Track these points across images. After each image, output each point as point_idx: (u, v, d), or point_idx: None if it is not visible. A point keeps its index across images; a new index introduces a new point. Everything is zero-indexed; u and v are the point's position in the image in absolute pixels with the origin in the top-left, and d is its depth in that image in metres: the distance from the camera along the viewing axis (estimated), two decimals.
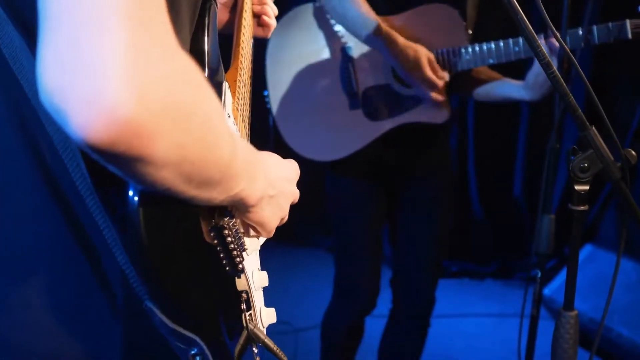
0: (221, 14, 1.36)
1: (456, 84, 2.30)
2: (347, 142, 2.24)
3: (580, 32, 1.97)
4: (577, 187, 1.25)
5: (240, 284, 1.00)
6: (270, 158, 1.01)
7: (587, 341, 2.64)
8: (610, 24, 1.97)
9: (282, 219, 1.04)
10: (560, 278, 3.64)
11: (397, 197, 2.41)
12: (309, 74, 2.29)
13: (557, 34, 1.33)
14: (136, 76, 0.61)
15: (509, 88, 2.24)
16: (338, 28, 2.23)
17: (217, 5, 1.03)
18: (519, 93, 2.19)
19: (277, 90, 2.31)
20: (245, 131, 1.13)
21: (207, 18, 0.98)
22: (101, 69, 0.60)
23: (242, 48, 1.20)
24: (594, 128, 1.24)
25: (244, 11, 1.31)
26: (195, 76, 0.69)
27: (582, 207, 1.26)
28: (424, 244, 2.38)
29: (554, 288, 3.58)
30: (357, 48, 2.23)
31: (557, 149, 1.94)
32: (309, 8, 2.29)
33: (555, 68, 1.18)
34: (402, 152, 2.30)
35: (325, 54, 2.28)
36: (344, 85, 2.25)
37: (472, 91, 2.35)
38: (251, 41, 1.32)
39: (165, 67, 0.64)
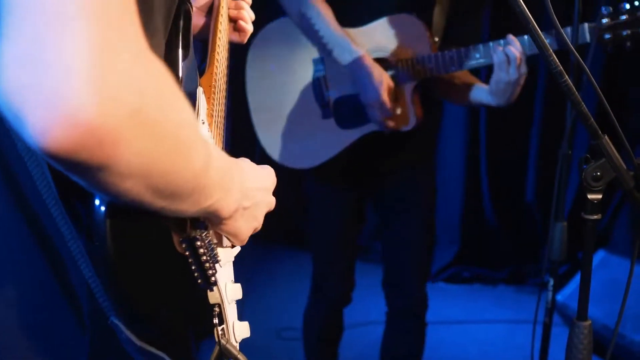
0: (197, 19, 1.34)
1: (435, 88, 2.35)
2: (321, 150, 2.34)
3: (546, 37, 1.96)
4: (590, 196, 1.25)
5: (213, 297, 0.96)
6: (246, 166, 0.98)
7: (600, 348, 2.63)
8: (569, 28, 1.99)
9: (256, 228, 1.01)
10: (574, 284, 3.62)
11: (378, 199, 2.50)
12: (285, 84, 2.38)
13: (563, 33, 1.32)
14: (102, 78, 0.57)
15: (480, 93, 2.27)
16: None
17: (192, 9, 1.02)
18: (487, 98, 2.22)
19: (256, 99, 2.41)
20: (220, 137, 1.12)
21: (181, 21, 0.96)
22: (65, 68, 0.56)
23: (217, 53, 1.18)
24: (606, 137, 1.24)
25: (220, 15, 1.30)
26: (166, 82, 0.65)
27: (595, 216, 1.26)
28: (408, 244, 2.46)
29: (567, 294, 3.56)
30: (327, 60, 2.30)
31: (569, 155, 1.94)
32: (280, 23, 2.38)
33: (567, 77, 1.19)
34: (378, 156, 2.37)
35: (299, 65, 2.36)
36: (317, 95, 2.34)
37: (449, 96, 2.40)
38: (227, 46, 1.32)
39: (134, 71, 0.60)
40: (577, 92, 1.20)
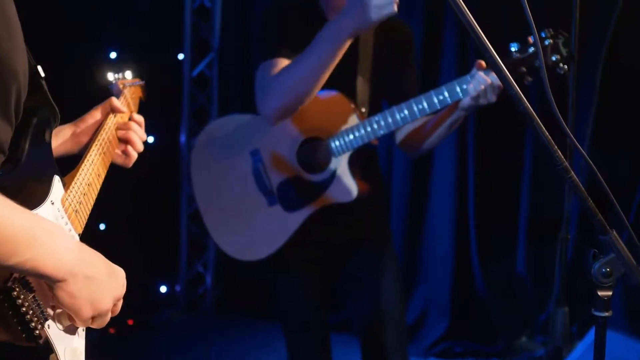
0: (82, 137, 1.54)
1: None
2: (272, 238, 2.38)
3: (458, 87, 2.18)
4: (600, 293, 1.21)
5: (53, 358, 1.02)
6: (94, 252, 1.07)
7: None
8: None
9: (100, 314, 1.05)
10: (573, 357, 3.54)
11: (342, 275, 2.50)
12: (229, 181, 2.46)
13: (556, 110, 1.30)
14: None
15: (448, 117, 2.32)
16: (243, 136, 2.43)
17: (55, 119, 1.23)
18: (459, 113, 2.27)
19: (204, 200, 2.50)
20: (79, 220, 1.25)
21: (35, 118, 1.14)
22: None
23: (90, 154, 1.42)
24: (614, 232, 1.21)
25: (102, 129, 1.52)
26: None
27: (607, 314, 1.23)
28: (383, 318, 2.44)
29: None
30: (263, 149, 2.39)
31: (568, 239, 1.92)
32: (214, 126, 2.54)
33: (573, 173, 1.17)
34: (330, 232, 2.42)
35: (238, 161, 2.44)
36: (259, 185, 2.39)
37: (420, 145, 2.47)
38: (108, 155, 1.52)
39: None
40: (583, 188, 1.18)
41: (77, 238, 1.23)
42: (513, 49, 2.19)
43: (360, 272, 2.48)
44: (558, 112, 1.25)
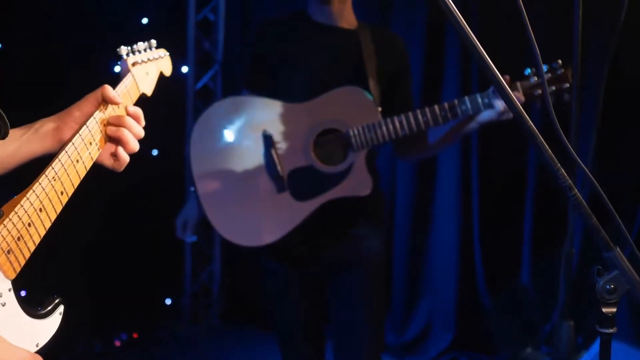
0: (66, 133, 1.26)
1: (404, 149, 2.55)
2: (277, 225, 2.35)
3: (480, 99, 2.25)
4: (604, 310, 1.21)
5: None
6: None
7: None
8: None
9: None
10: None
11: (328, 286, 2.50)
12: (235, 163, 2.39)
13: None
14: None
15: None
16: (256, 118, 2.38)
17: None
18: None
19: (204, 182, 2.39)
20: (12, 261, 1.06)
21: None
22: None
23: (53, 167, 1.15)
24: (618, 249, 1.21)
25: (82, 128, 1.23)
26: None
27: (611, 330, 1.22)
28: (358, 336, 2.44)
29: None
30: (277, 134, 2.35)
31: (572, 253, 1.92)
32: (225, 103, 2.46)
33: (576, 190, 1.17)
34: (325, 240, 2.41)
35: (247, 142, 2.38)
36: (269, 170, 2.35)
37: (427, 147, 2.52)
38: (84, 162, 1.23)
39: None
40: (586, 206, 1.18)
41: (9, 285, 1.07)
42: (530, 72, 2.26)
43: (339, 296, 2.48)
44: (560, 128, 1.25)
